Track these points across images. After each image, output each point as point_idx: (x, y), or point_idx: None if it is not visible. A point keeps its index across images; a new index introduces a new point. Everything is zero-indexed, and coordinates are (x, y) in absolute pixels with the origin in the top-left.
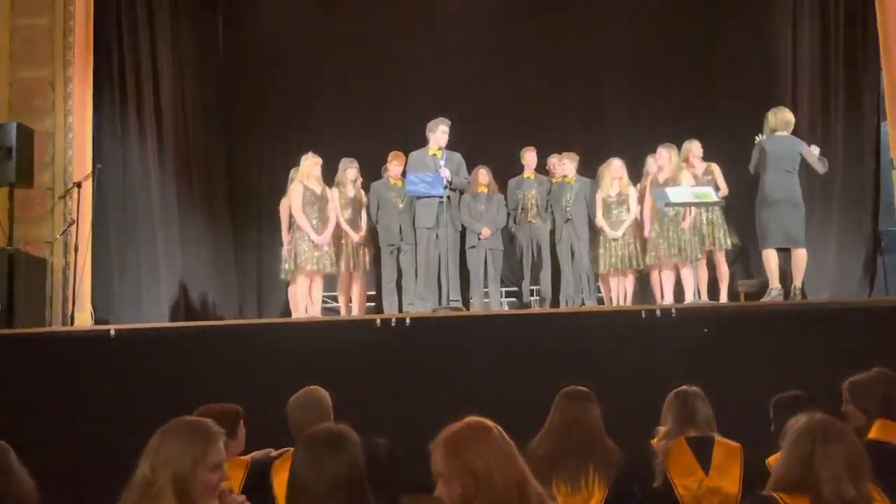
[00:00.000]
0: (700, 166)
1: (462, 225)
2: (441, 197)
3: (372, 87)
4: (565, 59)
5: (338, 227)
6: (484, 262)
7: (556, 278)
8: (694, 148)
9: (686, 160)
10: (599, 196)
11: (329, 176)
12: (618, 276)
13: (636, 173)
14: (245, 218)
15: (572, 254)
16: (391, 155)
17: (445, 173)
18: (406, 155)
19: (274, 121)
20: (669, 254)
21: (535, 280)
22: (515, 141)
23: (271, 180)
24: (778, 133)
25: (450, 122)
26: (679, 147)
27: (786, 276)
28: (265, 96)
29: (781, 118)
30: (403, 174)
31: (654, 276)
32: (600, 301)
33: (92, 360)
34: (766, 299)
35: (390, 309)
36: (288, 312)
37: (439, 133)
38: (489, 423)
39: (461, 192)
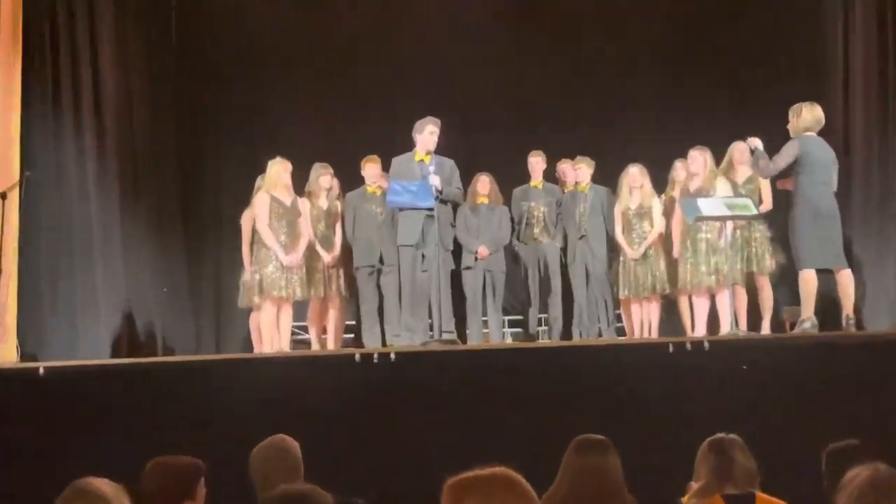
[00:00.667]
0: (744, 173)
1: (456, 242)
2: (429, 209)
3: (352, 81)
4: (577, 48)
5: (310, 245)
6: (483, 286)
7: (567, 305)
8: (737, 153)
9: (730, 165)
10: (618, 208)
11: (300, 184)
12: (641, 302)
13: (662, 181)
14: (201, 235)
15: (587, 276)
16: (365, 160)
17: (435, 181)
18: (386, 160)
19: (236, 121)
20: (702, 277)
21: (544, 307)
22: (519, 144)
23: (232, 190)
24: (809, 133)
25: (439, 122)
26: (711, 150)
27: (833, 303)
28: (225, 93)
29: (817, 116)
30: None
31: (684, 302)
32: (620, 332)
33: (16, 402)
34: (797, 331)
35: (372, 342)
36: (251, 346)
37: (427, 134)
38: (517, 475)
39: (454, 206)
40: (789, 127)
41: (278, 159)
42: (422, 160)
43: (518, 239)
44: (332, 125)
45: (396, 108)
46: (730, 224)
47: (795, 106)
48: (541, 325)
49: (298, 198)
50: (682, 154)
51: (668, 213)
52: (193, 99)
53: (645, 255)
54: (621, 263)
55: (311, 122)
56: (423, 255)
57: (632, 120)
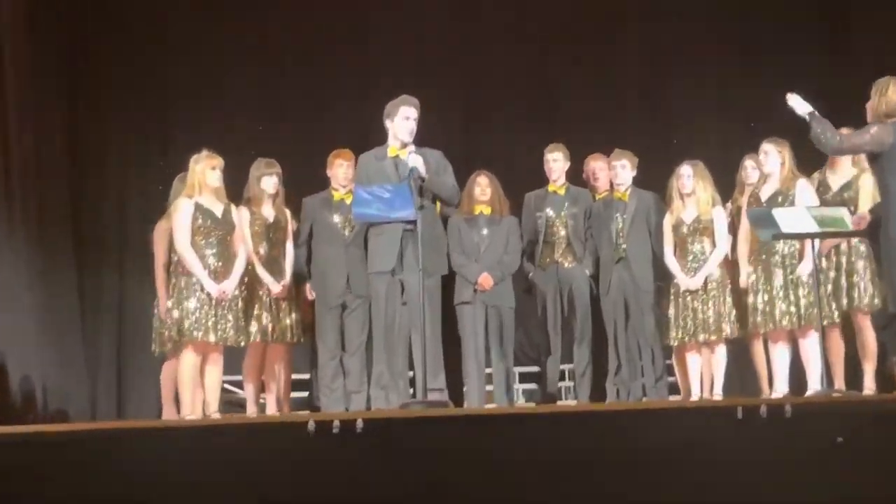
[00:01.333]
0: (841, 173)
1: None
2: (408, 222)
3: (310, 53)
4: (609, 12)
5: (249, 270)
6: (484, 326)
7: (600, 353)
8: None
9: (832, 163)
10: (668, 221)
11: (237, 188)
12: (699, 349)
13: (728, 185)
14: (98, 257)
15: (626, 314)
16: (334, 153)
17: (415, 161)
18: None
19: (147, 102)
20: (781, 315)
21: (568, 356)
22: (534, 136)
23: (142, 196)
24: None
25: (418, 103)
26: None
27: None
28: (131, 65)
29: None
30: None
31: (757, 350)
32: (672, 391)
33: None
34: None
35: (331, 404)
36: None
37: (400, 120)
38: None
39: (444, 218)
40: (868, 106)
41: (204, 153)
42: (397, 156)
43: (533, 262)
44: (284, 109)
45: (374, 90)
46: (818, 244)
47: (881, 81)
48: (564, 381)
49: (234, 206)
50: (754, 149)
51: (735, 229)
52: (87, 75)
53: (705, 286)
54: (673, 296)
55: (254, 106)
56: (401, 285)
57: (686, 105)
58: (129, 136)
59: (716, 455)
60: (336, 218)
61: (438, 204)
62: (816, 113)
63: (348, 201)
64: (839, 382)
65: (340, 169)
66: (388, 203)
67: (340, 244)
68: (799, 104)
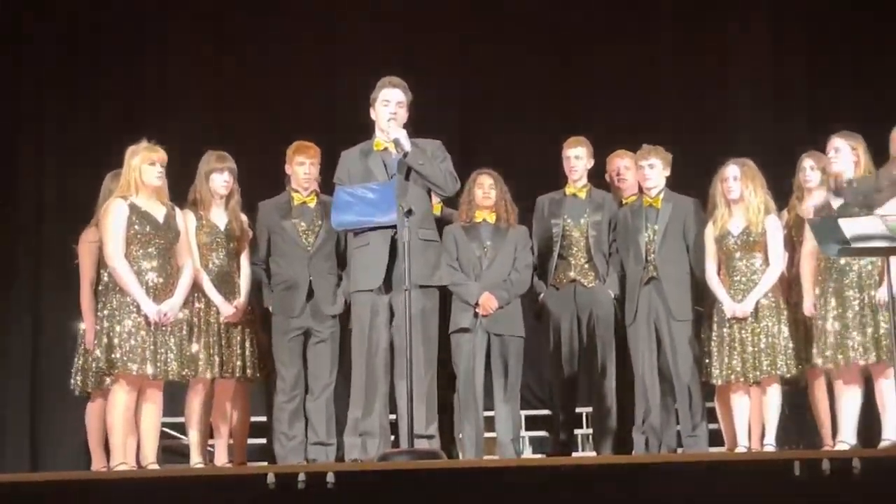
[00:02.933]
0: None
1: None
2: (396, 226)
3: (273, 26)
4: None
5: (196, 286)
6: (486, 359)
7: (625, 394)
8: None
9: None
10: (711, 232)
11: (182, 187)
12: (747, 391)
13: (784, 189)
14: (10, 272)
15: (658, 345)
16: (294, 147)
17: (397, 133)
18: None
19: (70, 83)
20: (850, 350)
21: (585, 397)
22: (548, 130)
23: (64, 196)
24: None
25: (405, 86)
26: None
27: None
28: (56, 42)
29: None
30: (328, 184)
31: (821, 392)
32: (713, 441)
33: None
34: None
35: (288, 455)
36: (89, 459)
37: (380, 106)
38: None
39: (443, 223)
40: None
41: (143, 145)
42: (385, 149)
43: (545, 281)
44: (239, 94)
45: (350, 71)
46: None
47: None
48: (581, 428)
49: (177, 209)
50: (817, 145)
51: (792, 242)
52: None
53: (756, 313)
54: (716, 325)
55: (201, 88)
56: (391, 307)
57: (732, 92)
58: (48, 125)
59: None
60: (297, 225)
61: (437, 208)
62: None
63: (311, 204)
64: None
65: (301, 167)
66: (374, 205)
67: (302, 256)
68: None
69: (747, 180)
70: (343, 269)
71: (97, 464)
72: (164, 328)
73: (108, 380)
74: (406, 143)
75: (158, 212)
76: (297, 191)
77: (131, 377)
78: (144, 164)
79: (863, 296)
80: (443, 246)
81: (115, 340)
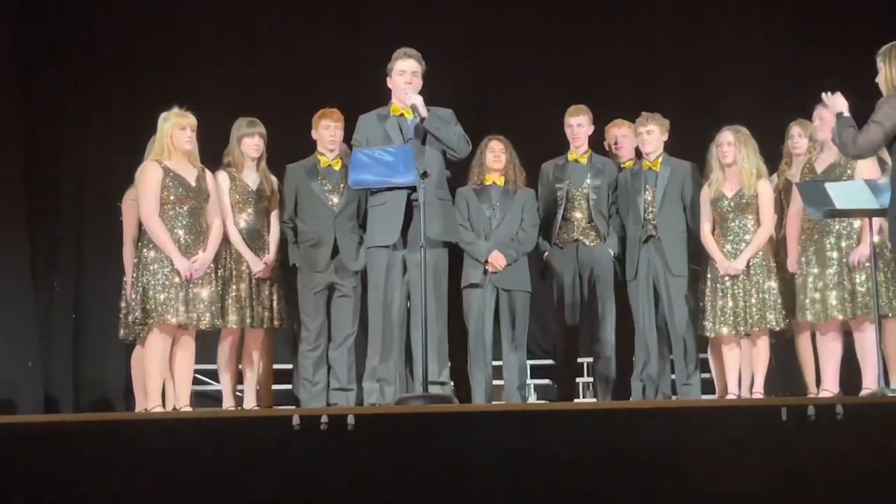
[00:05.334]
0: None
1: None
2: (412, 188)
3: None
4: None
5: (227, 244)
6: (495, 313)
7: (625, 344)
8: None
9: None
10: (706, 195)
11: (213, 151)
12: (739, 343)
13: (776, 155)
14: (52, 228)
15: (656, 300)
16: (319, 113)
17: (414, 99)
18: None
19: (109, 57)
20: (835, 304)
21: (588, 348)
22: (554, 100)
23: (105, 160)
24: None
25: (416, 55)
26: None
27: None
28: (88, 21)
29: None
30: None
31: (805, 343)
32: (707, 388)
33: None
34: None
35: (311, 400)
36: (131, 400)
37: (396, 76)
38: None
39: (453, 190)
40: (880, 80)
41: (174, 111)
42: (402, 115)
43: (549, 241)
44: (267, 63)
45: (369, 41)
46: (878, 223)
47: (887, 48)
48: (583, 376)
49: (208, 172)
50: (804, 113)
51: (781, 204)
52: (41, 21)
53: (747, 270)
54: (710, 281)
55: (231, 59)
56: (404, 262)
57: (725, 60)
58: (87, 96)
59: (756, 461)
60: (322, 186)
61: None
62: (845, 114)
63: (336, 167)
64: None
65: (327, 131)
66: (391, 167)
67: (327, 216)
68: (837, 102)
69: (741, 146)
70: (365, 230)
71: (140, 406)
72: (194, 282)
73: (144, 328)
74: (422, 109)
75: (190, 174)
76: (322, 154)
77: (164, 326)
78: (176, 130)
79: (841, 255)
80: (455, 207)
81: (150, 292)
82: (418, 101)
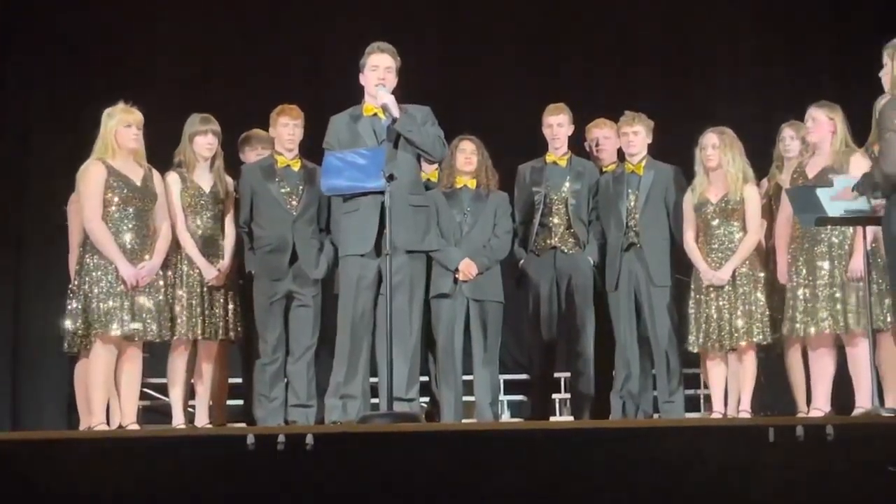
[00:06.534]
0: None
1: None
2: (384, 191)
3: None
4: None
5: (177, 250)
6: (465, 324)
7: (604, 358)
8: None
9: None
10: (690, 200)
11: (164, 150)
12: (724, 358)
13: (765, 159)
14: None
15: (638, 312)
16: (278, 110)
17: (386, 99)
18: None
19: (55, 48)
20: (823, 319)
21: (564, 362)
22: (530, 97)
23: (48, 161)
24: None
25: (393, 50)
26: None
27: None
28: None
29: None
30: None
31: (795, 359)
32: (691, 406)
33: None
34: None
35: (268, 417)
36: (74, 417)
37: (369, 70)
38: None
39: (436, 191)
40: (884, 76)
41: (119, 107)
42: (375, 115)
43: (525, 247)
44: (224, 54)
45: (338, 37)
46: (871, 233)
47: (894, 43)
48: (559, 392)
49: (156, 173)
50: (796, 114)
51: (770, 211)
52: None
53: (733, 280)
54: (694, 292)
55: (186, 50)
56: (379, 272)
57: (712, 59)
58: (26, 92)
59: (742, 484)
60: (280, 188)
61: (434, 175)
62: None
63: (296, 168)
64: (893, 400)
65: (285, 129)
66: (364, 170)
67: (286, 220)
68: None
69: (726, 148)
70: (326, 235)
71: (84, 424)
72: (140, 290)
73: (87, 340)
74: (394, 109)
75: (136, 174)
76: (280, 153)
77: (110, 337)
78: (121, 127)
79: (833, 266)
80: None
81: (94, 301)
82: (390, 100)
